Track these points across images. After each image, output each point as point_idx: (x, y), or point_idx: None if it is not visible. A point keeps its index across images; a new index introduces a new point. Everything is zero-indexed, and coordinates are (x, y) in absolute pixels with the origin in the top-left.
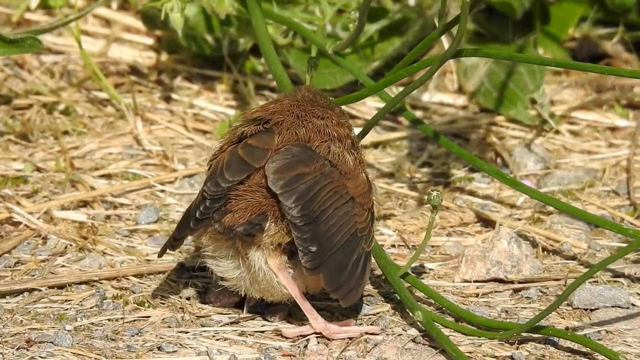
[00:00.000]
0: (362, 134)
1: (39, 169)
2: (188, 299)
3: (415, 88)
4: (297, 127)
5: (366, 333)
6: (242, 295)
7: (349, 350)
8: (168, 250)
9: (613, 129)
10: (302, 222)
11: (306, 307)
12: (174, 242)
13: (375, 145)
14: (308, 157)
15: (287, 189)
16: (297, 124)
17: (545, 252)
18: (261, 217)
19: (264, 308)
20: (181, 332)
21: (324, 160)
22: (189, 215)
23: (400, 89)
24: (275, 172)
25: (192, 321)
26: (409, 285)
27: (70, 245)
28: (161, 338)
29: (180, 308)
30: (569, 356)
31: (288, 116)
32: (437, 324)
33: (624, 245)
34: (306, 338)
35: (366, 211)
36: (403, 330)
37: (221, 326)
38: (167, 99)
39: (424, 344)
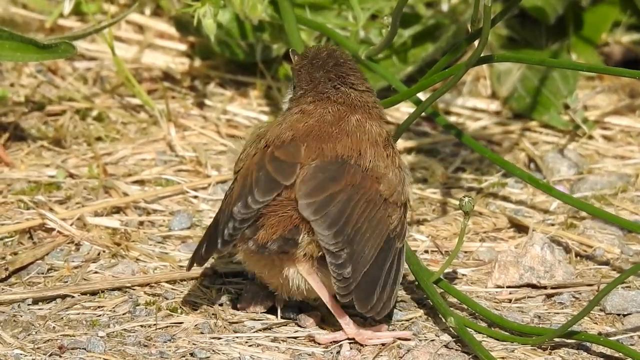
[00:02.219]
0: (395, 139)
1: (72, 175)
2: (221, 305)
3: (443, 93)
4: (324, 135)
5: (398, 338)
6: (279, 298)
7: (381, 356)
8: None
9: None
10: (337, 249)
11: (337, 311)
12: (201, 260)
13: (409, 150)
14: (337, 171)
15: (320, 215)
16: (325, 130)
17: (578, 257)
18: (294, 231)
19: (297, 314)
20: (214, 338)
21: (355, 166)
22: (216, 232)
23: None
24: (306, 197)
25: (224, 327)
26: (442, 290)
27: (103, 251)
28: (194, 344)
29: (213, 314)
30: None
31: (315, 121)
32: (469, 330)
33: None
34: (339, 344)
35: (400, 207)
36: (436, 335)
37: (254, 332)
38: (201, 105)
39: (456, 350)
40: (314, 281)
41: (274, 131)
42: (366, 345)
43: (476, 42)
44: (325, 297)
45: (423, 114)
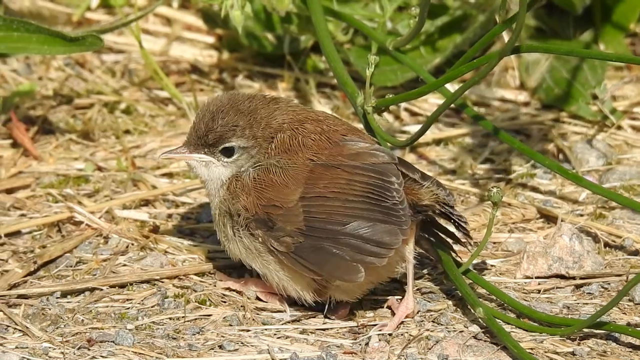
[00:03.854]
0: (422, 131)
1: (100, 169)
2: (249, 297)
3: (474, 83)
4: None
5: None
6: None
7: (410, 347)
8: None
9: None
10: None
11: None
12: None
13: (437, 142)
14: None
15: None
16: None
17: (607, 247)
18: None
19: (325, 305)
20: (242, 330)
21: None
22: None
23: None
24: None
25: (253, 319)
26: (471, 281)
27: (132, 244)
28: (222, 336)
29: (241, 306)
30: (630, 352)
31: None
32: (498, 321)
33: None
34: (367, 336)
35: None
36: (464, 327)
37: (282, 324)
38: None
39: (485, 341)
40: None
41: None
42: (394, 337)
43: (504, 34)
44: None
45: (452, 105)
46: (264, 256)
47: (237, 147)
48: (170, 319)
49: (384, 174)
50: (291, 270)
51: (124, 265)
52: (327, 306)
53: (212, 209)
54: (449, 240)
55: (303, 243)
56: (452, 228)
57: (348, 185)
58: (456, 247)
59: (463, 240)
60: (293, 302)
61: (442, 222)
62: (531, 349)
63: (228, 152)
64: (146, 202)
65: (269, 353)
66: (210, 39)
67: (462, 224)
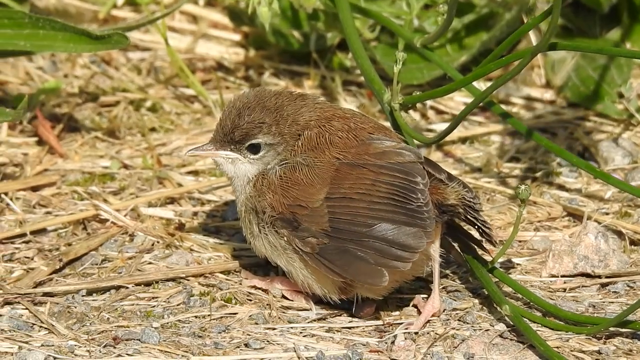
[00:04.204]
0: (451, 129)
1: (126, 166)
2: (275, 295)
3: (506, 81)
4: None
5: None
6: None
7: (436, 346)
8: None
9: None
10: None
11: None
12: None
13: (463, 140)
14: None
15: None
16: None
17: (632, 246)
18: None
19: (351, 304)
20: (268, 328)
21: None
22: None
23: (488, 83)
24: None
25: (279, 317)
26: (497, 280)
27: (157, 242)
28: (248, 335)
29: (267, 304)
30: None
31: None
32: (524, 319)
33: None
34: (393, 334)
35: None
36: (490, 325)
37: (308, 322)
38: None
39: (511, 339)
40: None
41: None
42: (420, 335)
43: (530, 32)
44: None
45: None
46: (289, 254)
47: (263, 143)
48: (196, 317)
49: (410, 174)
50: (315, 270)
51: (150, 263)
52: (354, 304)
53: (238, 206)
54: (473, 245)
55: (327, 245)
56: (476, 233)
57: (373, 186)
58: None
59: (486, 246)
60: (319, 300)
61: (466, 227)
62: (557, 347)
63: (254, 149)
64: (172, 200)
65: (295, 351)
66: (237, 37)
67: (487, 230)
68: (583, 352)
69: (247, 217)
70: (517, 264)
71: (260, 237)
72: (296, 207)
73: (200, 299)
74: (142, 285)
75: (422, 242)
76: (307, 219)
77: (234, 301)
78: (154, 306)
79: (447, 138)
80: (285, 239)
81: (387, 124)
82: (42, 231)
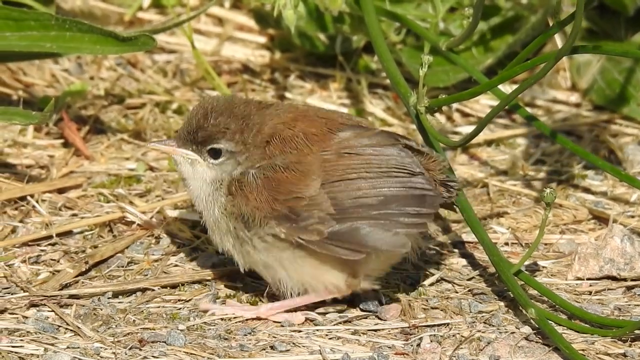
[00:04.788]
0: (476, 132)
1: (152, 169)
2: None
3: (531, 85)
4: None
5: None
6: None
7: (461, 348)
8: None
9: None
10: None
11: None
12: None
13: (489, 143)
14: None
15: None
16: None
17: None
18: None
19: (377, 306)
20: (294, 331)
21: None
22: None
23: (513, 86)
24: None
25: (304, 320)
26: (522, 282)
27: (183, 244)
28: (274, 337)
29: (293, 308)
30: None
31: None
32: (550, 322)
33: None
34: (419, 337)
35: None
36: (516, 328)
37: (334, 325)
38: (281, 98)
39: (537, 342)
40: None
41: None
42: (447, 338)
43: (555, 35)
44: None
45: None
46: (287, 252)
47: (224, 150)
48: (221, 319)
49: (396, 148)
50: (320, 263)
51: (176, 265)
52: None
53: (208, 216)
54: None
55: (337, 227)
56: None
57: (367, 164)
58: (507, 248)
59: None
60: (337, 302)
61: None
62: (583, 350)
63: (215, 153)
64: None
65: (321, 354)
66: (262, 39)
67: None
68: (608, 354)
69: (230, 225)
70: (543, 267)
71: (247, 242)
72: (292, 200)
73: (226, 301)
74: (168, 288)
75: (436, 202)
76: (307, 208)
77: (259, 303)
78: (180, 308)
79: (473, 141)
80: (283, 235)
81: (413, 127)
82: (68, 233)
